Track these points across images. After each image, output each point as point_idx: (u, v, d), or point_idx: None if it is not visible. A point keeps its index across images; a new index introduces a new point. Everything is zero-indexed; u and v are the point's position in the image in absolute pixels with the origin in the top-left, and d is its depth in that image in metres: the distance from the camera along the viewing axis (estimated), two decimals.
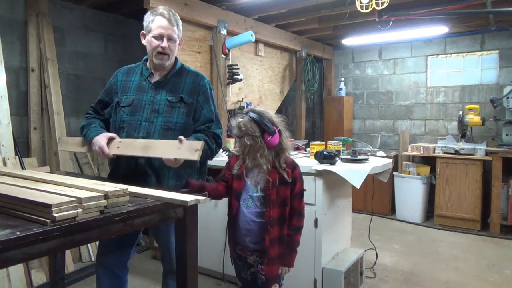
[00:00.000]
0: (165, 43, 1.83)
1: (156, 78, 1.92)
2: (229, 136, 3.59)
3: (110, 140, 1.80)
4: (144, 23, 1.89)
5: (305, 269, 2.52)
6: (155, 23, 1.83)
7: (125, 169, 1.88)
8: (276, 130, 1.78)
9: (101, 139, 1.79)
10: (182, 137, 1.67)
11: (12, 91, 3.22)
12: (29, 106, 3.36)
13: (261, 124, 1.76)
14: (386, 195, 4.89)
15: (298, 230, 1.86)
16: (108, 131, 1.92)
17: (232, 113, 4.06)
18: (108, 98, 2.00)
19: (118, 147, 1.78)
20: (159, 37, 1.83)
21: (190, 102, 1.89)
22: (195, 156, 1.59)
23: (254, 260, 1.87)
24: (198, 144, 1.62)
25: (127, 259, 1.98)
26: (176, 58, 1.96)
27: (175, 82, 1.92)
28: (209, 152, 1.87)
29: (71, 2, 3.72)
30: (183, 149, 1.63)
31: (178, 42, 1.90)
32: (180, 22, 1.90)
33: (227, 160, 2.04)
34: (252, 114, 1.79)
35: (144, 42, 1.92)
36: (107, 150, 1.76)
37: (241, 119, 1.80)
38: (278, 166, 1.80)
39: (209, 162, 2.10)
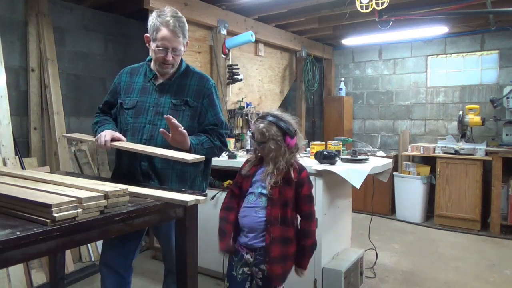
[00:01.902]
0: (169, 56, 1.79)
1: (160, 80, 1.89)
2: (229, 136, 3.59)
3: (118, 140, 1.78)
4: (149, 26, 1.81)
5: None
6: (160, 34, 1.75)
7: (127, 172, 1.87)
8: (295, 132, 1.80)
9: (109, 132, 1.77)
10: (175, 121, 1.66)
11: (12, 91, 3.22)
12: (29, 106, 3.36)
13: (283, 127, 1.76)
14: (386, 195, 4.89)
15: (308, 234, 1.81)
16: None
17: (232, 113, 4.06)
18: (113, 100, 1.98)
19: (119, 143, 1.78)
20: (164, 50, 1.78)
21: (195, 105, 1.86)
22: (189, 157, 1.58)
23: (248, 260, 1.82)
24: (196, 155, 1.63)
25: (132, 259, 1.97)
26: (181, 59, 1.92)
27: (180, 84, 1.89)
28: (216, 150, 1.89)
29: (71, 2, 3.72)
30: (179, 153, 1.64)
31: (183, 49, 1.85)
32: (186, 27, 1.82)
33: (228, 159, 2.04)
34: (271, 118, 1.78)
35: (148, 45, 1.86)
36: (103, 138, 1.74)
37: (262, 124, 1.78)
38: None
39: (212, 163, 2.08)
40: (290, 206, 1.78)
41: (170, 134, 1.68)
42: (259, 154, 1.85)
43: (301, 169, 1.83)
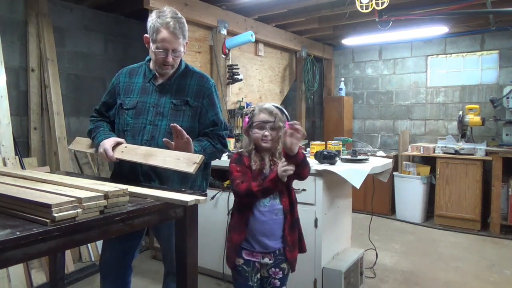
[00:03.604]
0: (169, 58, 1.78)
1: (160, 80, 1.88)
2: (229, 136, 3.59)
3: (117, 144, 1.78)
4: (149, 27, 1.80)
5: (305, 269, 2.51)
6: (160, 35, 1.74)
7: (128, 173, 1.86)
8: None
9: (108, 142, 1.76)
10: (188, 136, 1.65)
11: (12, 91, 3.22)
12: (29, 106, 3.36)
13: (284, 112, 1.87)
14: (386, 195, 4.89)
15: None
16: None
17: (232, 113, 4.06)
18: (112, 100, 1.96)
19: (122, 151, 1.77)
20: (164, 51, 1.76)
21: (195, 105, 1.86)
22: (191, 169, 1.54)
23: (264, 264, 1.82)
24: (197, 158, 1.57)
25: (132, 259, 1.97)
26: (180, 59, 1.90)
27: (180, 84, 1.88)
28: (218, 154, 1.90)
29: (71, 2, 3.72)
30: (182, 161, 1.59)
31: (183, 50, 1.83)
32: (186, 28, 1.81)
33: (228, 159, 2.03)
34: (271, 104, 1.88)
35: (147, 46, 1.85)
36: (111, 153, 1.74)
37: (267, 104, 1.86)
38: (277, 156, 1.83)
39: (212, 163, 2.08)
40: (290, 186, 1.85)
41: (173, 143, 1.66)
42: (266, 140, 1.79)
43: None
